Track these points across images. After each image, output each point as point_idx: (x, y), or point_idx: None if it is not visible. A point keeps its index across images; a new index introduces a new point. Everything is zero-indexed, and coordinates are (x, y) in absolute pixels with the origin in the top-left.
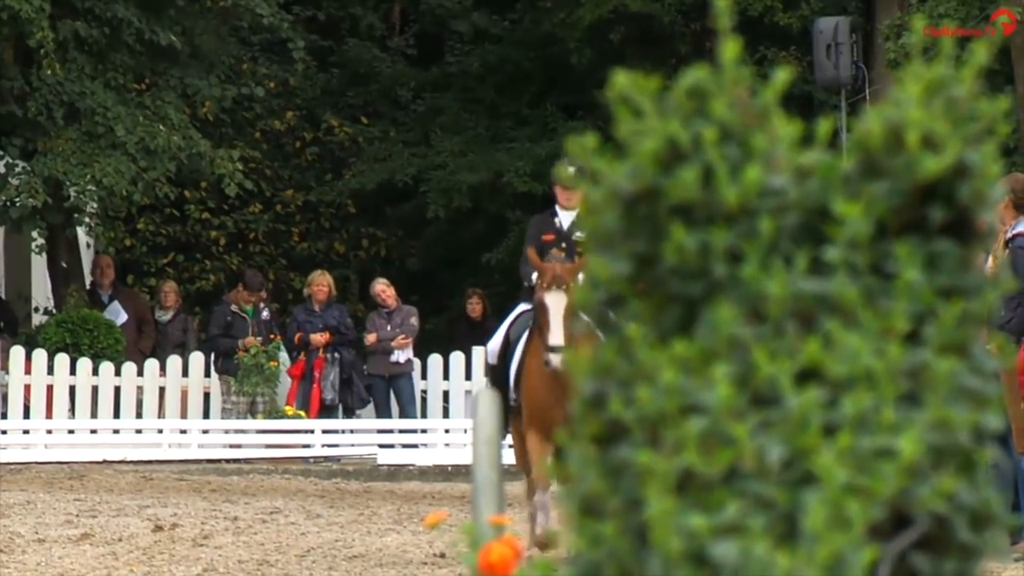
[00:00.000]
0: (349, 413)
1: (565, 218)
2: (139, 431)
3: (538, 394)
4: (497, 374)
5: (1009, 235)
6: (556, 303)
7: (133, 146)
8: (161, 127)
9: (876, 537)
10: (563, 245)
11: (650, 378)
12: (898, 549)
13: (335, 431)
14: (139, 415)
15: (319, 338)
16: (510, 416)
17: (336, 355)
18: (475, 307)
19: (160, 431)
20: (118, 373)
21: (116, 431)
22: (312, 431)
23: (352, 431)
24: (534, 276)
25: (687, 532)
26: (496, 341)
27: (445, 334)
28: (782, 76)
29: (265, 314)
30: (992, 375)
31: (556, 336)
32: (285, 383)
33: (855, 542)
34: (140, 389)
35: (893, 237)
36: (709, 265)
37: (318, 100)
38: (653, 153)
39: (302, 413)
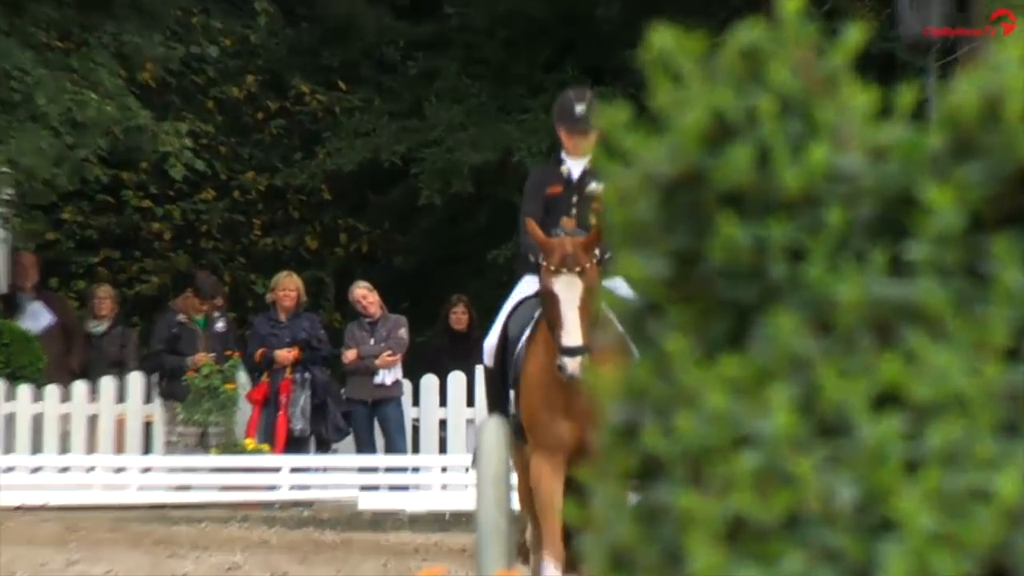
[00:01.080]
0: (323, 447)
1: (574, 167)
2: (64, 470)
3: (545, 408)
4: (496, 381)
5: None
6: (569, 291)
7: (57, 118)
8: (92, 95)
9: None
10: (574, 200)
11: (694, 403)
12: None
13: (306, 469)
14: (64, 450)
15: (286, 355)
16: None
17: (307, 376)
18: (460, 317)
19: (91, 470)
20: (39, 398)
21: (35, 469)
22: (278, 469)
23: (327, 469)
24: (540, 255)
25: None
26: (493, 336)
27: (444, 350)
28: (856, 34)
29: (220, 325)
30: None
31: (572, 334)
32: (245, 410)
33: None
34: (66, 418)
35: (990, 230)
36: (765, 264)
37: (285, 61)
38: (697, 129)
39: (265, 447)
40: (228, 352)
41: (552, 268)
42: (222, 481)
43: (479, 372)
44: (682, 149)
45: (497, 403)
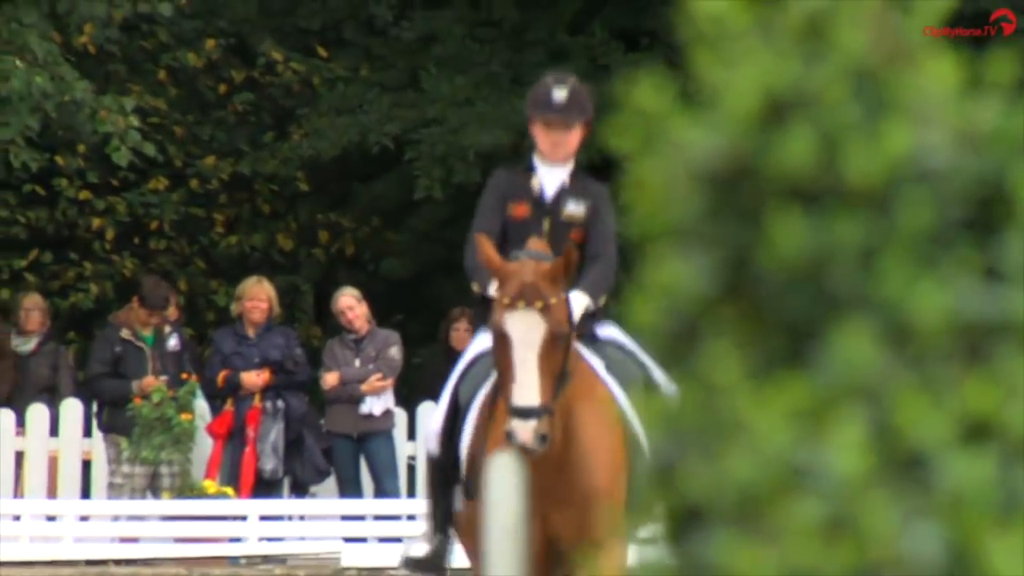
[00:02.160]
0: (300, 490)
1: (548, 178)
2: None
3: None
4: (443, 471)
5: None
6: (527, 332)
7: None
8: (18, 62)
9: None
10: (544, 226)
11: (744, 436)
12: None
13: (278, 518)
14: None
15: (254, 378)
16: (452, 531)
17: (280, 404)
18: (462, 334)
19: (16, 518)
20: None
21: None
22: (245, 517)
23: (304, 517)
24: (491, 283)
25: None
26: (438, 416)
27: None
28: None
29: (173, 342)
30: None
31: (526, 390)
32: (204, 445)
33: None
34: None
35: None
36: (830, 271)
37: (252, 23)
38: (750, 110)
39: (229, 491)
40: (184, 375)
41: (506, 301)
42: (176, 531)
43: None
44: (732, 134)
45: (440, 495)
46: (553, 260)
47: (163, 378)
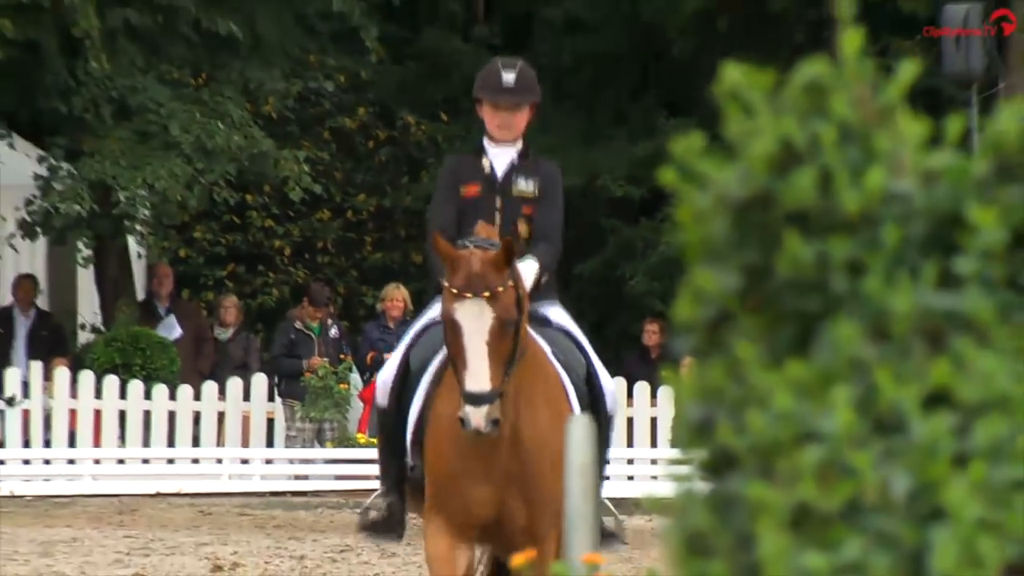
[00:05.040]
0: None
1: (498, 158)
2: (196, 461)
3: (457, 464)
4: (389, 425)
5: None
6: (475, 320)
7: (189, 146)
8: (220, 125)
9: None
10: (497, 203)
11: (763, 402)
12: None
13: None
14: (196, 443)
15: None
16: (406, 496)
17: None
18: (651, 335)
19: (219, 461)
20: (173, 397)
21: (170, 461)
22: None
23: None
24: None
25: (803, 572)
26: (389, 370)
27: None
28: (909, 70)
29: (333, 332)
30: None
31: (477, 376)
32: (357, 408)
33: None
34: (197, 414)
35: None
36: (827, 278)
37: (393, 95)
38: (766, 155)
39: (375, 441)
40: (341, 356)
41: (455, 290)
42: (336, 471)
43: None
44: (752, 173)
45: (397, 454)
46: (498, 248)
47: (326, 358)
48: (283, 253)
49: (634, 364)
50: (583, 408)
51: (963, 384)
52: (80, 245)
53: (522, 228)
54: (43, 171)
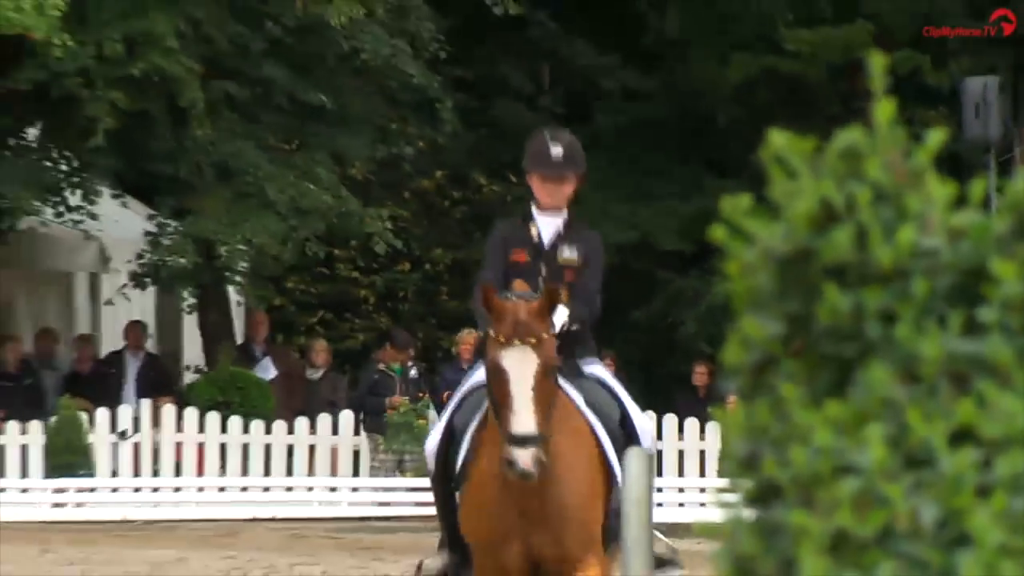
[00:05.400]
0: None
1: (545, 227)
2: (289, 488)
3: (494, 521)
4: (438, 488)
5: None
6: (520, 366)
7: (283, 206)
8: (311, 186)
9: None
10: (542, 270)
11: (804, 439)
12: None
13: None
14: (289, 472)
15: None
16: (458, 548)
17: None
18: (700, 376)
19: (310, 488)
20: (268, 431)
21: (266, 488)
22: None
23: None
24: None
25: None
26: (435, 437)
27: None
28: (936, 137)
29: (413, 372)
30: None
31: (523, 419)
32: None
33: None
34: (290, 447)
35: None
36: (863, 326)
37: (466, 159)
38: (807, 214)
39: None
40: (420, 394)
41: (501, 339)
42: (416, 498)
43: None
44: (794, 230)
45: (445, 515)
46: (539, 298)
47: (406, 396)
48: (367, 301)
49: (684, 402)
50: (618, 449)
51: (986, 422)
52: (185, 294)
53: (563, 294)
54: (152, 228)
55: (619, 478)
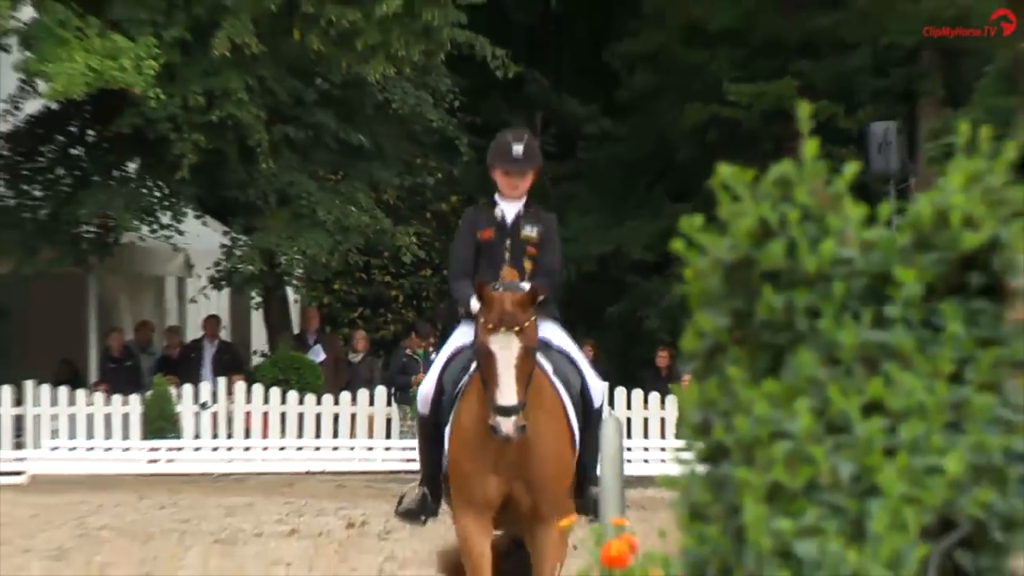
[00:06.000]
0: None
1: (508, 210)
2: (335, 448)
3: (474, 463)
4: (429, 429)
5: None
6: (506, 350)
7: (331, 224)
8: (353, 209)
9: (927, 538)
10: (507, 244)
11: (746, 410)
12: (945, 547)
13: None
14: (335, 435)
15: None
16: (441, 488)
17: None
18: (662, 359)
19: (352, 448)
20: (319, 402)
21: (317, 448)
22: None
23: None
24: (473, 302)
25: (776, 533)
26: (427, 386)
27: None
28: (851, 169)
29: (433, 356)
30: (1021, 408)
31: (507, 393)
32: None
33: (911, 542)
34: (336, 415)
35: (940, 297)
36: (793, 320)
37: (477, 187)
38: (748, 230)
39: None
40: None
41: (490, 326)
42: None
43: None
44: (738, 243)
45: (432, 453)
46: (524, 291)
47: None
48: (398, 300)
49: (650, 380)
50: (579, 414)
51: (892, 397)
52: (253, 294)
53: (527, 265)
54: (227, 241)
55: (577, 441)
